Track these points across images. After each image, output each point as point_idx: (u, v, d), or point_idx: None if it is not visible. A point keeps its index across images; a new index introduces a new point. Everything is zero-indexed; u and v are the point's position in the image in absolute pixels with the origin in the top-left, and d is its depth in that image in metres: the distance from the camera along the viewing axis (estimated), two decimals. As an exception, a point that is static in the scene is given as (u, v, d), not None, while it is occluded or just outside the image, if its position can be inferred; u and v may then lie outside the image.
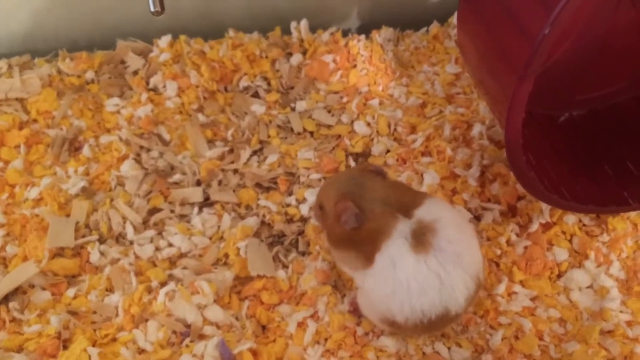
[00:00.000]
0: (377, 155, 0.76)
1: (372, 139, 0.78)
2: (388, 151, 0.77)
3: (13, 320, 0.59)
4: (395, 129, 0.79)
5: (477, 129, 0.78)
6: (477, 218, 0.71)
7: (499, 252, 0.68)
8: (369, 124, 0.79)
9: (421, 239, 0.52)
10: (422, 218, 0.54)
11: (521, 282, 0.67)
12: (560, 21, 0.46)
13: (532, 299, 0.66)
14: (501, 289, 0.65)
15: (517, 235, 0.70)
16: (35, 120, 0.75)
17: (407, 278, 0.52)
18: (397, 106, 0.81)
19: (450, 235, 0.53)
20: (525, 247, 0.68)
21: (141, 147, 0.75)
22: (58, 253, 0.65)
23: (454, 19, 0.90)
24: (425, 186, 0.72)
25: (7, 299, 0.61)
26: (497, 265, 0.68)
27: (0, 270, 0.63)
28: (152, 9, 0.61)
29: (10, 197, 0.69)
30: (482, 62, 0.62)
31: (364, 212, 0.54)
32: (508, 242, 0.69)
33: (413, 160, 0.75)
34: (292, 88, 0.83)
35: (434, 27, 0.90)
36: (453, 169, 0.74)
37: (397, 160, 0.76)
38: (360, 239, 0.54)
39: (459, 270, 0.52)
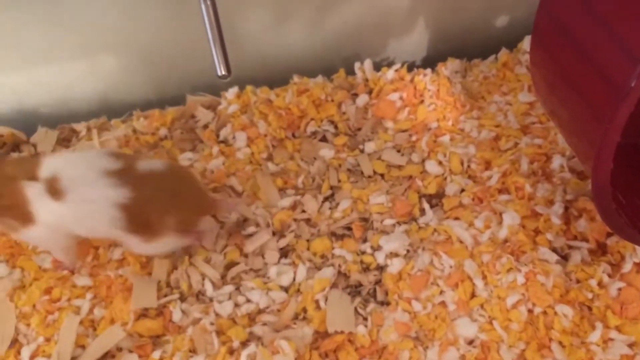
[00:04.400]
0: (452, 196, 0.74)
1: (445, 178, 0.76)
2: (463, 190, 0.74)
3: (104, 385, 0.61)
4: (468, 166, 0.77)
5: (557, 161, 0.74)
6: (564, 258, 0.68)
7: (590, 295, 0.64)
8: (440, 163, 0.77)
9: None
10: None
11: (617, 328, 0.63)
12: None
13: (630, 345, 0.62)
14: (596, 336, 0.62)
15: (610, 276, 0.66)
16: (114, 181, 0.78)
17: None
18: (469, 141, 0.79)
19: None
20: (619, 289, 0.64)
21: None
22: (142, 314, 0.66)
23: (523, 44, 0.87)
24: (505, 227, 0.69)
25: (97, 363, 0.63)
26: (590, 309, 0.64)
27: (90, 333, 0.65)
28: (219, 72, 0.62)
29: (94, 259, 0.71)
30: (553, 95, 0.59)
31: None
32: (600, 284, 0.65)
33: (490, 199, 0.72)
34: (359, 129, 0.82)
35: (503, 54, 0.87)
36: (534, 206, 0.70)
37: (473, 199, 0.73)
38: None
39: None
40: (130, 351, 0.64)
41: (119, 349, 0.64)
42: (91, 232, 0.66)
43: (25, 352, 0.64)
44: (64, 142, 0.82)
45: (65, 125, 0.82)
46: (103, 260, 0.71)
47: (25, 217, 0.62)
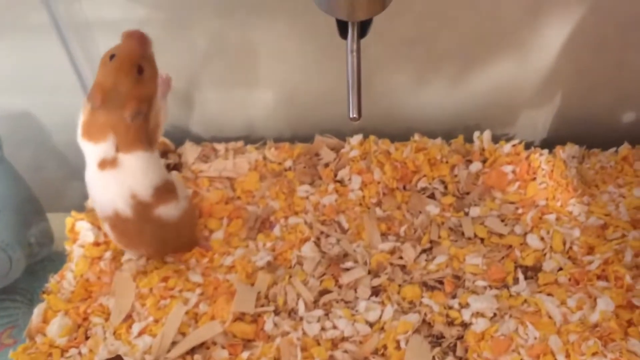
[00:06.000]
0: (548, 272, 0.75)
1: (545, 254, 0.77)
2: (560, 269, 0.75)
3: (195, 370, 0.68)
4: (570, 247, 0.77)
5: (664, 259, 0.73)
6: (656, 356, 0.66)
7: (678, 399, 0.62)
8: (542, 239, 0.79)
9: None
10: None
11: None
12: None
13: None
14: None
15: None
16: (239, 198, 0.88)
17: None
18: (575, 224, 0.80)
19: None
20: None
21: (321, 232, 0.83)
22: (239, 317, 0.73)
23: (648, 141, 0.87)
24: (598, 312, 0.69)
25: (193, 351, 0.70)
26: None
27: (192, 323, 0.73)
28: (350, 115, 0.70)
29: (209, 262, 0.80)
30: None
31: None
32: (691, 390, 0.63)
33: (587, 282, 0.73)
34: (467, 194, 0.86)
35: (624, 148, 0.88)
36: (631, 298, 0.70)
37: (570, 279, 0.74)
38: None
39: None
40: (223, 347, 0.71)
41: (214, 343, 0.71)
42: (95, 202, 0.77)
43: (136, 328, 0.72)
44: (204, 157, 0.93)
45: (208, 143, 0.94)
46: (216, 264, 0.80)
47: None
